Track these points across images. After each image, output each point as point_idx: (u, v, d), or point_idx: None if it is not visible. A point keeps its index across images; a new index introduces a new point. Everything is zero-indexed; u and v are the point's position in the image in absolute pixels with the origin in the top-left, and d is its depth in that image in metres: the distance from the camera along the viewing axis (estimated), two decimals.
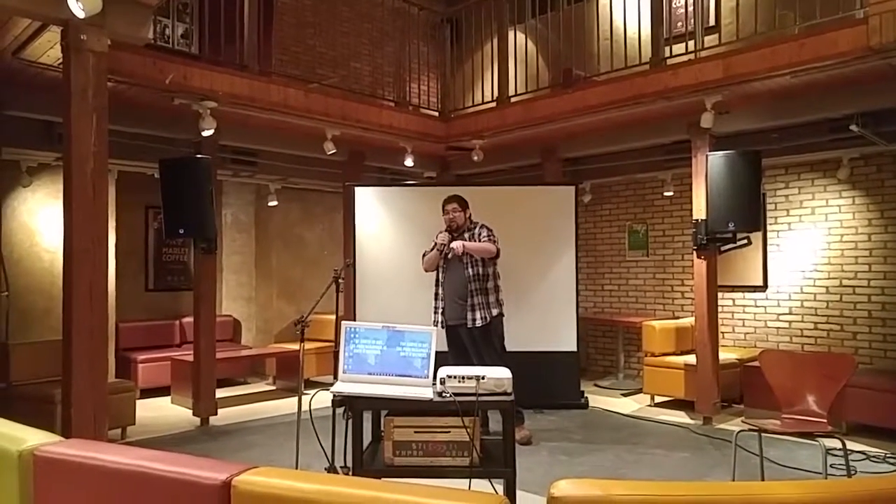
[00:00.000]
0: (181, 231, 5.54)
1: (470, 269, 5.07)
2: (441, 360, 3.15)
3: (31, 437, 2.02)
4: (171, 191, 5.43)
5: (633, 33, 5.93)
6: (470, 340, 5.07)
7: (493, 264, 5.14)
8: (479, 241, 5.02)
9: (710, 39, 5.76)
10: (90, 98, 3.87)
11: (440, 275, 5.24)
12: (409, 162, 7.11)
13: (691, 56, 5.48)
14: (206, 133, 5.38)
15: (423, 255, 5.20)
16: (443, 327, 5.12)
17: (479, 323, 5.03)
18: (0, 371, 5.26)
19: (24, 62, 4.53)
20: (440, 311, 5.20)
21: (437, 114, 7.37)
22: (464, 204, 5.16)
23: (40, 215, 6.45)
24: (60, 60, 4.11)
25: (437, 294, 5.25)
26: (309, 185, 8.06)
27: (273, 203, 7.87)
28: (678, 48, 5.67)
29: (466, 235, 5.08)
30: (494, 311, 5.09)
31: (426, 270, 5.28)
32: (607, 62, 6.05)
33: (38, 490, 1.94)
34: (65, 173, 3.93)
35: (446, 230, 5.07)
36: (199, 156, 5.60)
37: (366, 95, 6.80)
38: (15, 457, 1.96)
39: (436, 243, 5.03)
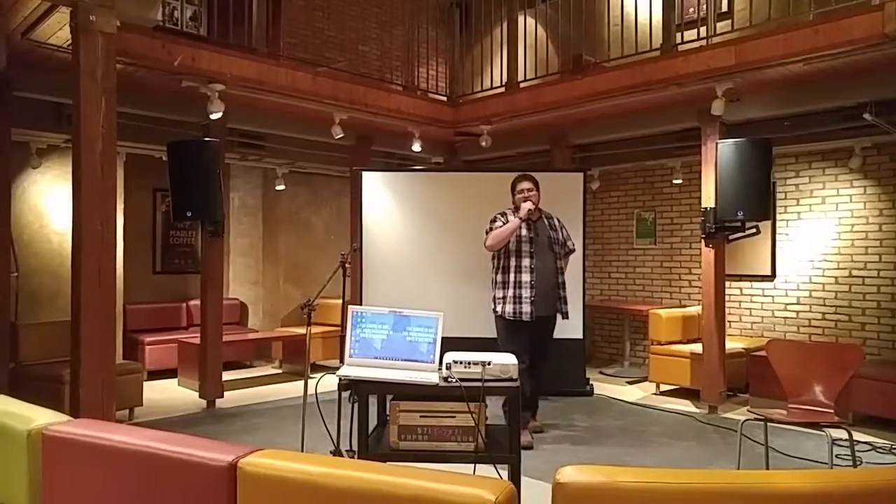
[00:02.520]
0: (189, 214, 5.55)
1: (559, 261, 4.94)
2: (454, 346, 3.13)
3: (40, 417, 2.04)
4: (179, 174, 5.44)
5: (644, 19, 5.87)
6: (547, 333, 4.94)
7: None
8: (561, 234, 4.94)
9: (722, 25, 5.70)
10: (99, 79, 3.87)
11: (525, 260, 4.81)
12: (416, 147, 7.09)
13: (703, 42, 5.42)
14: (214, 116, 5.37)
15: (489, 230, 4.83)
16: (532, 319, 4.74)
17: (569, 316, 5.00)
18: (9, 351, 5.30)
19: (34, 43, 4.52)
20: (529, 301, 4.76)
21: (445, 99, 7.33)
22: (537, 184, 4.87)
23: (50, 197, 6.48)
24: (69, 42, 4.11)
25: (520, 282, 4.79)
26: (316, 169, 8.06)
27: (280, 187, 7.88)
28: (690, 34, 5.61)
29: (547, 223, 4.93)
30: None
31: (492, 248, 4.88)
32: (618, 48, 6.00)
33: (46, 468, 1.96)
34: (73, 154, 3.94)
35: (513, 212, 4.81)
36: (207, 139, 5.60)
37: (374, 79, 6.77)
38: (24, 436, 1.98)
39: (516, 216, 4.72)
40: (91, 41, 3.85)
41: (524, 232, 4.83)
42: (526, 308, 4.77)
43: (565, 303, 4.95)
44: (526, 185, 4.87)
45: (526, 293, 4.78)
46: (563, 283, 4.96)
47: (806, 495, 1.42)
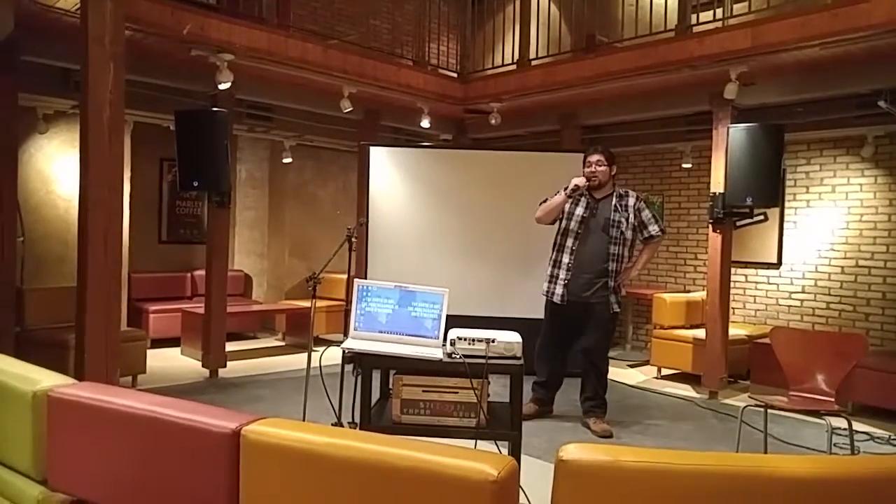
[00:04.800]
0: (195, 184, 5.54)
1: (614, 247, 4.52)
2: (458, 324, 3.13)
3: (46, 379, 2.05)
4: (186, 143, 5.42)
5: None
6: (589, 322, 4.62)
7: (633, 244, 4.68)
8: (632, 216, 4.53)
9: (738, 7, 5.61)
10: (107, 45, 3.85)
11: (568, 240, 4.61)
12: (425, 123, 7.05)
13: (718, 24, 5.35)
14: (222, 86, 5.34)
15: (544, 201, 4.65)
16: (563, 301, 4.60)
17: (615, 308, 4.59)
18: (14, 316, 5.33)
19: (42, 7, 4.48)
20: (562, 282, 4.59)
21: (455, 75, 7.27)
22: (611, 158, 4.57)
23: (56, 162, 6.47)
24: (78, 6, 4.07)
25: (557, 261, 4.63)
26: (324, 142, 8.02)
27: (287, 160, 7.85)
28: (705, 15, 5.54)
29: (615, 203, 4.54)
30: (623, 293, 4.69)
31: (539, 221, 4.68)
32: (631, 28, 5.92)
33: (51, 430, 1.98)
34: (81, 120, 3.93)
35: (579, 185, 4.51)
36: (215, 109, 5.57)
37: (384, 53, 6.70)
38: (29, 397, 1.99)
39: (568, 188, 4.46)
40: (100, 6, 3.83)
41: (579, 210, 4.60)
42: (559, 290, 4.62)
43: (613, 292, 4.54)
44: (593, 157, 4.57)
45: (562, 274, 4.62)
46: (615, 270, 4.53)
47: (804, 480, 1.42)
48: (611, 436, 4.56)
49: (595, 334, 4.63)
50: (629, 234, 4.58)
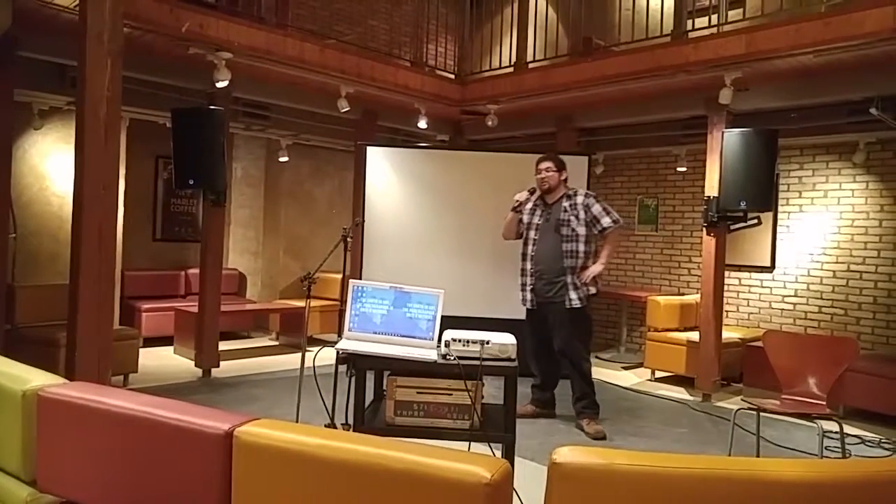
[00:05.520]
0: (191, 182, 5.52)
1: (566, 245, 4.65)
2: (453, 325, 3.14)
3: (36, 378, 2.03)
4: (182, 141, 5.40)
5: (655, 4, 5.82)
6: (557, 322, 4.72)
7: (595, 239, 4.78)
8: (582, 213, 4.66)
9: (733, 14, 5.64)
10: (105, 42, 3.84)
11: (528, 247, 4.81)
12: (422, 124, 7.05)
13: (714, 30, 5.38)
14: (220, 84, 5.33)
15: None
16: (533, 307, 4.81)
17: (575, 304, 4.63)
18: (5, 313, 5.30)
19: (40, 3, 4.47)
20: (528, 287, 4.79)
21: (453, 76, 7.28)
22: (560, 164, 4.76)
23: (51, 159, 6.44)
24: (77, 3, 4.05)
25: (522, 269, 4.82)
26: (320, 142, 8.02)
27: (284, 159, 7.84)
28: (701, 21, 5.56)
29: (565, 204, 4.70)
30: (592, 290, 4.71)
31: (505, 237, 4.96)
32: (628, 32, 5.94)
33: (41, 430, 1.96)
34: (77, 117, 3.92)
35: (534, 190, 4.76)
36: (212, 107, 5.56)
37: (382, 54, 6.71)
38: (19, 396, 1.97)
39: (518, 202, 4.70)
40: (99, 3, 3.82)
41: (535, 219, 4.83)
42: (528, 295, 4.83)
43: (572, 289, 4.63)
44: (543, 164, 4.76)
45: (528, 280, 4.82)
46: (572, 267, 4.65)
47: (795, 483, 1.43)
48: (604, 437, 4.58)
49: (563, 332, 4.72)
50: (581, 231, 4.69)
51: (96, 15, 3.81)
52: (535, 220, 4.83)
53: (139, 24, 4.63)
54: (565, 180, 4.84)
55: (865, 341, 6.10)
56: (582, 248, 4.69)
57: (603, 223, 4.70)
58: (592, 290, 4.73)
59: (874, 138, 5.98)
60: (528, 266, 4.81)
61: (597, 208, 4.72)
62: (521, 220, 4.91)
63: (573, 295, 4.65)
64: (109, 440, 1.85)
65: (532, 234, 4.82)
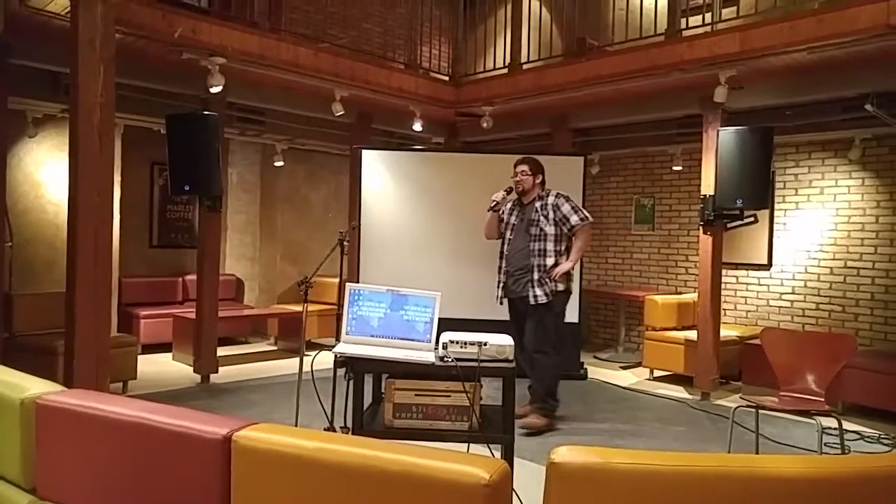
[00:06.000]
0: (187, 188, 5.52)
1: (534, 243, 4.78)
2: (451, 327, 3.13)
3: (34, 386, 2.02)
4: (177, 147, 5.40)
5: (649, 3, 5.83)
6: (525, 317, 4.84)
7: (568, 238, 4.83)
8: (551, 212, 4.77)
9: (727, 12, 5.65)
10: (98, 48, 3.84)
11: (504, 246, 4.97)
12: (417, 126, 7.05)
13: (707, 28, 5.38)
14: (214, 89, 5.33)
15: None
16: (501, 303, 4.99)
17: (541, 300, 4.72)
18: (2, 321, 5.29)
19: (32, 10, 4.47)
20: (501, 284, 4.95)
21: (447, 78, 7.28)
22: (536, 167, 4.88)
23: (46, 167, 6.44)
24: (68, 9, 4.05)
25: (499, 267, 4.98)
26: (316, 146, 8.01)
27: (279, 163, 7.84)
28: (695, 20, 5.57)
29: (538, 205, 4.83)
30: (560, 287, 4.77)
31: (487, 237, 5.11)
32: (622, 32, 5.95)
33: (40, 438, 1.96)
34: (71, 124, 3.92)
35: (510, 190, 4.90)
36: (206, 112, 5.55)
37: (376, 57, 6.71)
38: (17, 404, 1.97)
39: (494, 202, 4.86)
40: (90, 9, 3.81)
41: (512, 219, 4.99)
42: (499, 292, 5.00)
43: (537, 285, 4.73)
44: (519, 167, 4.91)
45: (501, 278, 4.99)
46: (539, 265, 4.75)
47: (795, 479, 1.43)
48: (536, 432, 4.63)
49: (529, 326, 4.83)
50: (550, 230, 4.79)
51: (88, 21, 3.80)
52: (512, 220, 4.99)
53: (131, 29, 4.62)
54: (542, 183, 4.95)
55: (863, 337, 6.11)
56: (551, 246, 4.79)
57: (571, 221, 4.79)
58: (560, 286, 4.79)
59: (870, 134, 5.99)
60: (504, 264, 4.97)
61: (566, 207, 4.82)
62: (501, 220, 5.06)
63: (538, 292, 4.75)
64: (108, 447, 1.84)
65: (508, 233, 4.98)
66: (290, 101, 6.59)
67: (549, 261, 4.77)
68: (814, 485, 1.43)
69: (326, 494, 1.53)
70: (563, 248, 4.84)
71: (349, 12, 7.14)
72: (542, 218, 4.81)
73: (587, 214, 4.87)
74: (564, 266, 4.76)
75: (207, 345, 5.96)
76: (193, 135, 5.36)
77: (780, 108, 5.82)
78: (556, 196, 4.88)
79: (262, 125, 6.97)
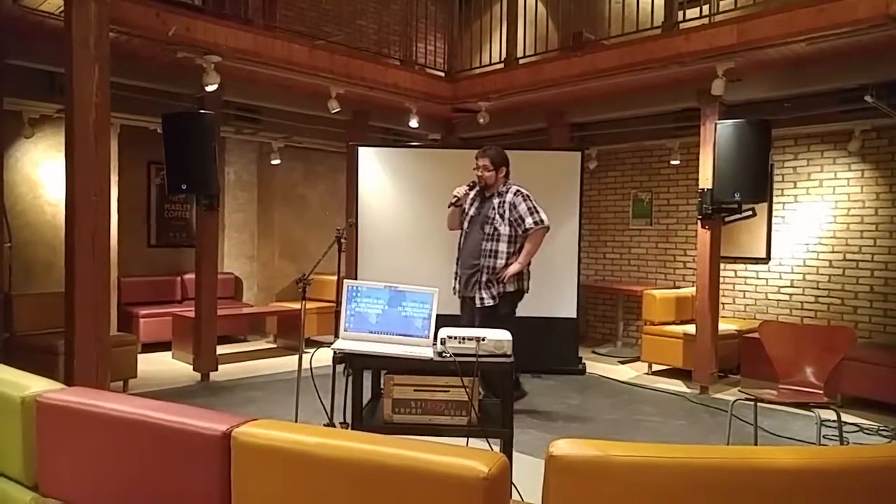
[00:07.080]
0: (184, 187, 5.50)
1: (486, 243, 4.65)
2: (446, 322, 3.14)
3: (35, 384, 2.03)
4: (173, 146, 5.38)
5: None
6: (474, 316, 4.70)
7: (524, 238, 4.67)
8: (508, 211, 4.61)
9: (725, 4, 5.64)
10: (92, 48, 3.83)
11: (460, 238, 4.84)
12: (413, 123, 7.04)
13: (705, 21, 5.37)
14: (209, 88, 5.32)
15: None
16: (457, 296, 4.89)
17: (487, 302, 4.63)
18: (3, 322, 5.29)
19: (26, 9, 4.45)
20: (455, 278, 4.86)
21: (443, 74, 7.27)
22: (498, 161, 4.70)
23: (43, 167, 6.43)
24: (62, 9, 4.04)
25: (456, 259, 4.89)
26: (312, 144, 8.00)
27: (276, 161, 7.83)
28: (692, 12, 5.56)
29: (496, 201, 4.67)
30: (510, 288, 4.64)
31: (450, 229, 4.96)
32: (618, 25, 5.95)
33: (41, 436, 1.96)
34: (66, 124, 3.91)
35: (474, 185, 4.77)
36: (202, 111, 5.54)
37: (371, 53, 6.70)
38: (18, 403, 1.97)
39: (455, 197, 4.73)
40: (84, 8, 3.80)
41: (471, 211, 4.82)
42: (455, 286, 4.88)
43: (484, 288, 4.61)
44: (482, 160, 4.73)
45: (456, 270, 4.88)
46: (487, 266, 4.63)
47: (793, 470, 1.42)
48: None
49: (482, 325, 4.68)
50: (504, 230, 4.64)
51: (82, 20, 3.79)
52: (471, 211, 4.81)
53: (125, 28, 4.60)
54: (505, 176, 4.78)
55: (862, 329, 6.12)
56: (503, 247, 4.65)
57: (526, 223, 4.64)
58: (511, 287, 4.65)
59: (869, 126, 5.98)
60: (459, 258, 4.86)
61: (522, 207, 4.64)
62: (463, 210, 4.88)
63: (484, 294, 4.64)
64: (109, 444, 1.85)
65: (466, 225, 4.83)
66: (285, 98, 6.58)
67: (500, 262, 4.63)
68: (813, 476, 1.43)
69: (326, 489, 1.53)
70: (516, 248, 4.68)
71: (344, 9, 7.12)
72: (497, 217, 4.66)
73: (544, 217, 4.67)
74: (512, 269, 4.60)
75: (207, 343, 5.97)
76: (189, 134, 5.35)
77: (779, 101, 5.81)
78: (514, 193, 4.69)
79: (258, 123, 6.96)
